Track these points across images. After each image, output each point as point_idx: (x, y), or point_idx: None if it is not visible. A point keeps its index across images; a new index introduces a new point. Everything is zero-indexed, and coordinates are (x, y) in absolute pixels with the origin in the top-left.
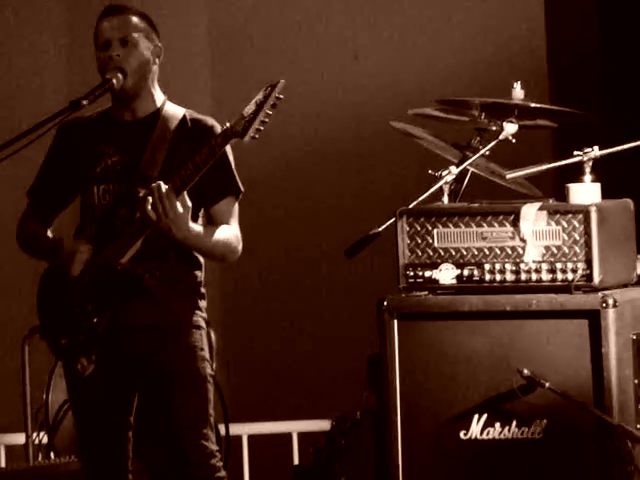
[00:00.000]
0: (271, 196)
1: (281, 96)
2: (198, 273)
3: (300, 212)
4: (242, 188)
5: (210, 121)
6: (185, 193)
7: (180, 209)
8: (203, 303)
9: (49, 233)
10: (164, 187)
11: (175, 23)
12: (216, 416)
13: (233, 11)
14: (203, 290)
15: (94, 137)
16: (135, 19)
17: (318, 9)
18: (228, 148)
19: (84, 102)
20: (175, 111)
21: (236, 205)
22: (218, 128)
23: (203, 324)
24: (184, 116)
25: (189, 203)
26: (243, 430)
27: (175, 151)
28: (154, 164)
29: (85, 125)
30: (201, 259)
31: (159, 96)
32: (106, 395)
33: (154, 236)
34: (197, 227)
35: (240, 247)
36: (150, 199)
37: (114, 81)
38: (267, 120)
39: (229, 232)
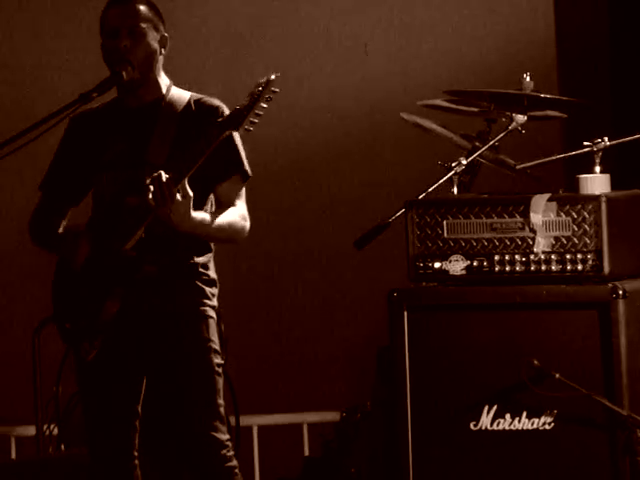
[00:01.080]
0: (281, 187)
1: (276, 90)
2: (206, 260)
3: (310, 203)
4: (250, 172)
5: (216, 102)
6: (186, 182)
7: (179, 198)
8: (213, 290)
9: (61, 227)
10: (164, 176)
11: (187, 15)
12: (226, 407)
13: (245, 4)
14: (213, 276)
15: (102, 127)
16: (143, 8)
17: (328, 2)
18: (237, 135)
19: (94, 94)
20: (180, 95)
21: (243, 188)
22: (224, 108)
23: (212, 313)
24: (189, 100)
25: (190, 192)
26: (253, 421)
27: (182, 135)
28: (161, 151)
29: (93, 116)
30: (210, 245)
31: (164, 82)
32: (112, 381)
33: (159, 223)
34: (200, 215)
35: (247, 226)
36: (152, 188)
37: (124, 73)
38: (261, 113)
39: (234, 214)
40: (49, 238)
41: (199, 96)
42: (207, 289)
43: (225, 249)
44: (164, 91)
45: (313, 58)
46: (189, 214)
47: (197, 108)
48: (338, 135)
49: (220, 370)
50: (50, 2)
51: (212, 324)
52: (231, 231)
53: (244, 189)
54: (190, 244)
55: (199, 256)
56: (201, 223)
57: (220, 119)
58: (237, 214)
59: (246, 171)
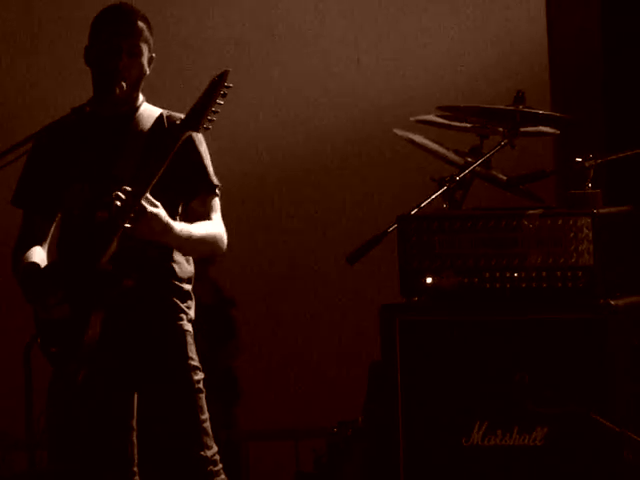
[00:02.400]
0: (274, 201)
1: (230, 85)
2: (180, 273)
3: (302, 218)
4: (216, 182)
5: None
6: (148, 194)
7: (150, 209)
8: (189, 304)
9: (43, 252)
10: (127, 189)
11: (177, 30)
12: (218, 422)
13: (236, 16)
14: (187, 287)
15: (73, 134)
16: (142, 25)
17: (321, 16)
18: (201, 143)
19: (87, 109)
20: (152, 111)
21: (216, 200)
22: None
23: (189, 327)
24: (160, 114)
25: (156, 202)
26: (245, 436)
27: (150, 150)
28: (128, 164)
29: (63, 123)
30: (184, 259)
31: (140, 98)
32: (102, 400)
33: (131, 236)
34: (178, 225)
35: (225, 240)
36: (117, 203)
37: (117, 89)
38: (218, 110)
39: (210, 227)
40: (21, 273)
41: (172, 112)
42: (182, 303)
43: (216, 267)
44: (137, 104)
45: (305, 73)
46: (164, 223)
47: (169, 123)
48: (330, 150)
49: (201, 386)
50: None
51: (190, 339)
52: (211, 242)
53: (217, 201)
54: (163, 258)
55: (174, 270)
56: (180, 233)
57: (177, 122)
58: (212, 228)
59: (213, 184)
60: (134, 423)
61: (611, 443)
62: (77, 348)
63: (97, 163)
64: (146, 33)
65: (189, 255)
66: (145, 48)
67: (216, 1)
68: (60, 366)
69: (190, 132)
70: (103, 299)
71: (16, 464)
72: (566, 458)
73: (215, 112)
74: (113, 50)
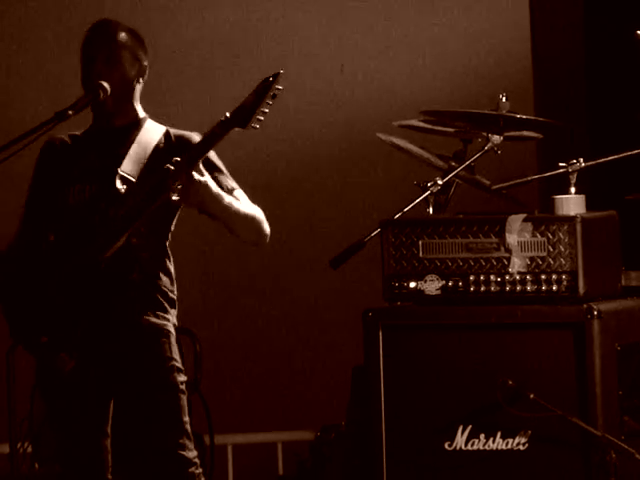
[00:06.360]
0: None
1: (280, 87)
2: (166, 278)
3: (285, 222)
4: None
5: (196, 137)
6: (200, 165)
7: (197, 177)
8: (173, 310)
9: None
10: (177, 160)
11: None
12: (201, 426)
13: (218, 24)
14: (172, 295)
15: (74, 149)
16: (123, 35)
17: (304, 21)
18: (214, 155)
19: (70, 112)
20: (157, 126)
21: (241, 192)
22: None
23: (172, 329)
24: (167, 131)
25: (204, 172)
26: (228, 440)
27: (155, 162)
28: (135, 166)
29: (66, 142)
30: (169, 264)
31: (140, 112)
32: (80, 400)
33: (137, 233)
34: (225, 196)
35: (267, 227)
36: (170, 167)
37: (100, 92)
38: (267, 111)
39: (256, 210)
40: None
41: (179, 130)
42: (168, 307)
43: (199, 268)
44: (140, 117)
45: (289, 77)
46: (213, 193)
47: (177, 141)
48: (314, 154)
49: (184, 387)
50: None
51: (173, 340)
52: (258, 222)
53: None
54: (155, 258)
55: (160, 273)
56: (230, 205)
57: (225, 116)
58: (258, 211)
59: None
60: (109, 429)
61: (594, 447)
62: (70, 339)
63: (99, 165)
64: (127, 41)
65: (238, 232)
66: (127, 56)
67: (199, 4)
68: (47, 356)
69: (237, 128)
70: (107, 292)
71: None
72: (549, 462)
73: (264, 112)
74: (88, 58)
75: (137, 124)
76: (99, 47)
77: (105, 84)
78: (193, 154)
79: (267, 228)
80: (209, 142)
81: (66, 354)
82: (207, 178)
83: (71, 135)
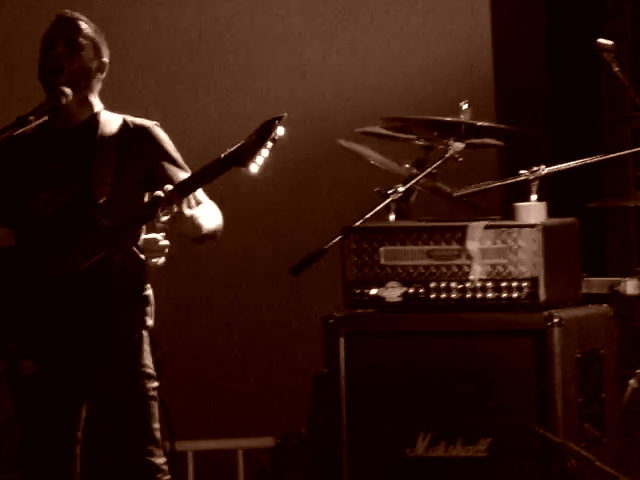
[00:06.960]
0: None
1: (281, 133)
2: (142, 283)
3: (246, 228)
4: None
5: (148, 122)
6: (191, 197)
7: (187, 211)
8: (148, 309)
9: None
10: (169, 190)
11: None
12: (161, 432)
13: (182, 31)
14: (149, 293)
15: (31, 150)
16: (85, 26)
17: (266, 27)
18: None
19: (31, 118)
20: (113, 116)
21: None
22: (156, 129)
23: (145, 334)
24: (124, 120)
25: (193, 204)
26: (189, 447)
27: (123, 153)
28: (106, 168)
29: (19, 140)
30: (145, 266)
31: (97, 104)
32: (50, 406)
33: (119, 245)
34: (204, 226)
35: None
36: (161, 194)
37: (62, 98)
38: (267, 156)
39: (217, 215)
40: None
41: (134, 118)
42: (142, 312)
43: (160, 272)
44: (95, 110)
45: (251, 84)
46: (196, 225)
47: (136, 128)
48: (275, 161)
49: (155, 394)
50: None
51: (145, 346)
52: (220, 227)
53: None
54: (124, 266)
55: (135, 278)
56: (207, 231)
57: (226, 154)
58: (212, 206)
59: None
60: (80, 435)
61: (554, 454)
62: (36, 345)
63: (65, 170)
64: (89, 32)
65: (203, 243)
66: (88, 45)
67: (163, 5)
68: (12, 362)
69: (238, 167)
70: (86, 300)
71: None
72: (510, 469)
73: (265, 156)
74: (50, 42)
75: (94, 119)
76: (62, 31)
77: (67, 89)
78: (186, 186)
79: (222, 223)
80: (204, 177)
81: (30, 360)
82: (194, 210)
83: (22, 134)
